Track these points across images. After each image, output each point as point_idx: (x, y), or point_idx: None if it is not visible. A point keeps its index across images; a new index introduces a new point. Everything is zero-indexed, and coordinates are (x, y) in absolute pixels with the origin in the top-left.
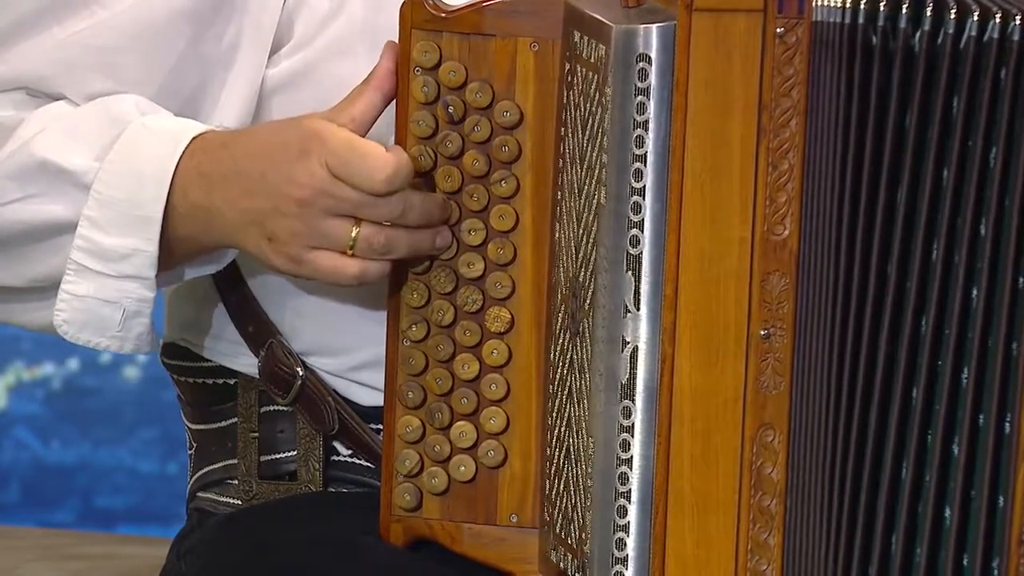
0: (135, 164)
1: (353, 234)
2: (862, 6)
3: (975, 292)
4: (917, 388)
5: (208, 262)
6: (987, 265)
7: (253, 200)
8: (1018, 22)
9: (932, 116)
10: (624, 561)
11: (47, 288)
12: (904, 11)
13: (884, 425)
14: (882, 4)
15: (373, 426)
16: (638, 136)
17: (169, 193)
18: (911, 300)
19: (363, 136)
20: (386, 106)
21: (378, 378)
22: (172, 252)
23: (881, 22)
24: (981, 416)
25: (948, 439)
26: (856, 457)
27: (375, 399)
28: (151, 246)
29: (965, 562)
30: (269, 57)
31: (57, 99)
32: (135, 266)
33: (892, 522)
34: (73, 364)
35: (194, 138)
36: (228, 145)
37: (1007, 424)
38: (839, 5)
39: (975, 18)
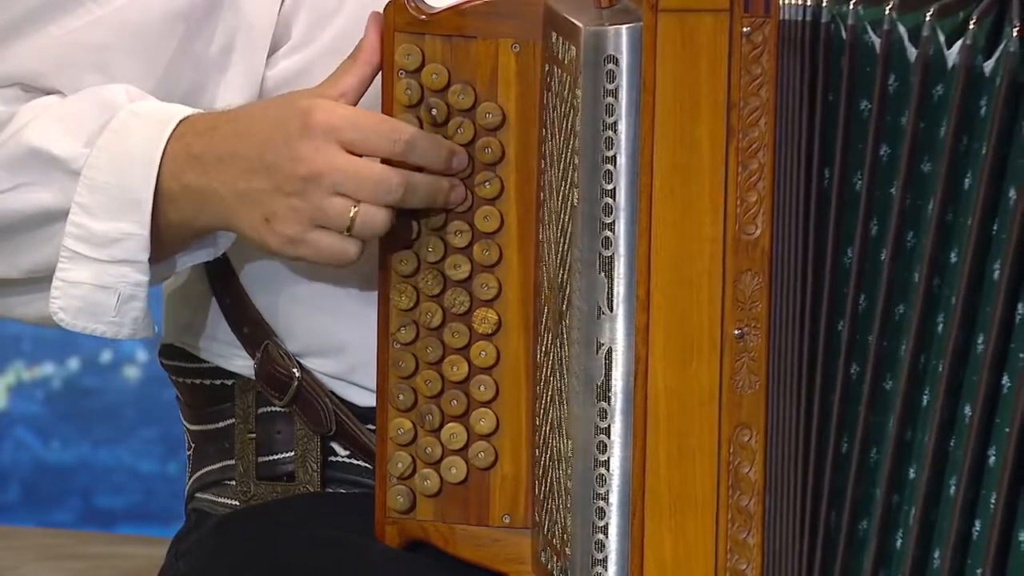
0: (124, 149)
1: (351, 213)
2: (833, 5)
3: (948, 282)
4: (894, 380)
5: (201, 247)
6: (966, 255)
7: (252, 180)
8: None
9: (903, 110)
10: (604, 563)
11: (43, 279)
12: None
13: (853, 416)
14: (851, 2)
15: (370, 427)
16: (607, 138)
17: (159, 176)
18: (882, 292)
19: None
20: (373, 79)
21: (373, 379)
22: (164, 235)
23: (851, 20)
24: (964, 408)
25: (945, 434)
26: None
27: (371, 400)
28: (142, 229)
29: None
30: (267, 58)
31: (51, 94)
32: (127, 250)
33: (883, 521)
34: (73, 364)
35: (182, 120)
36: (218, 126)
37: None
38: (806, 3)
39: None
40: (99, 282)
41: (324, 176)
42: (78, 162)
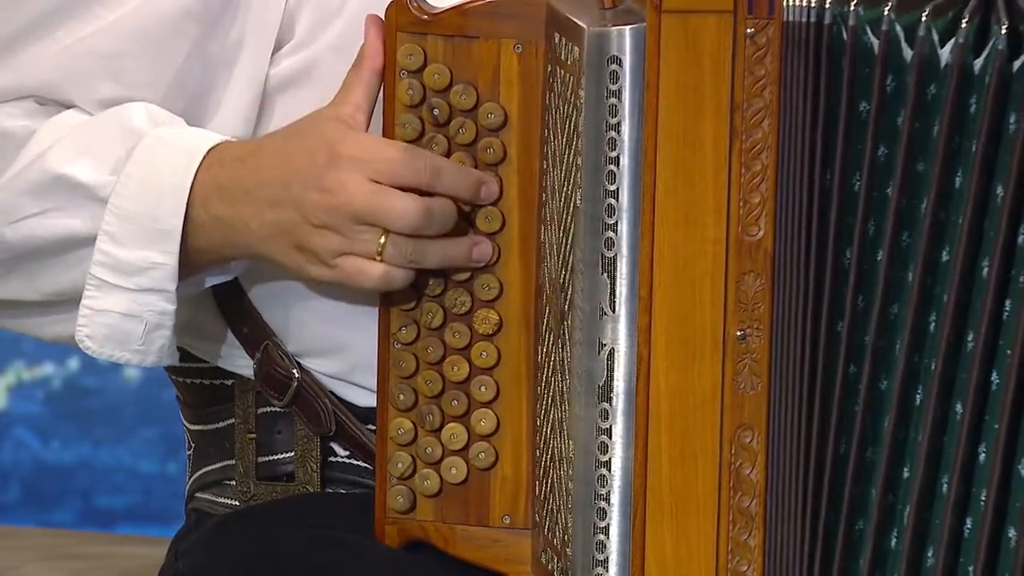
0: (152, 178)
1: (381, 240)
2: (835, 6)
3: (940, 281)
4: (889, 380)
5: (227, 270)
6: (957, 253)
7: (279, 211)
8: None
9: (899, 111)
10: (604, 563)
11: (64, 302)
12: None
13: (852, 417)
14: (852, 3)
15: (370, 427)
16: (610, 138)
17: (188, 206)
18: (878, 292)
19: (368, 119)
20: (380, 84)
21: (373, 379)
22: (192, 263)
23: (852, 21)
24: (956, 407)
25: (938, 432)
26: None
27: (371, 400)
28: (171, 259)
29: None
30: (271, 56)
31: (67, 106)
32: (155, 279)
33: (879, 521)
34: (73, 364)
35: (210, 150)
36: (246, 158)
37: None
38: (810, 4)
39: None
40: (126, 310)
41: (349, 207)
42: (105, 190)
